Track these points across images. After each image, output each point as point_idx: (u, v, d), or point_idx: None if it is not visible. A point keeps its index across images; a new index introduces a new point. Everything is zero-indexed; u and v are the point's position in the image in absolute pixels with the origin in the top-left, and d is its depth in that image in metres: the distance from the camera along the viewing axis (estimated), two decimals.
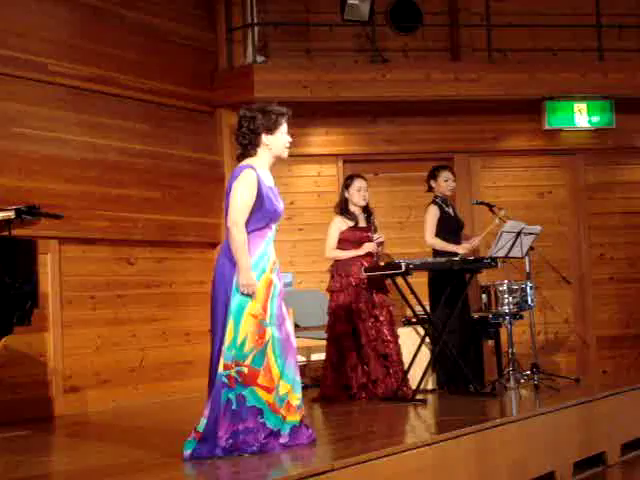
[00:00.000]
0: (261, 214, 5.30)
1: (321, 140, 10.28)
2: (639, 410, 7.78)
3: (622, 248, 10.89)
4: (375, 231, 7.97)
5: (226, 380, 5.16)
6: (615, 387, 7.76)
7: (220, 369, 5.17)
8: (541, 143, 10.76)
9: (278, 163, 5.59)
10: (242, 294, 5.18)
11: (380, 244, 8.00)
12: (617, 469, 7.17)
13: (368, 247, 7.89)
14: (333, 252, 7.99)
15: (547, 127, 10.57)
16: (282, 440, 5.26)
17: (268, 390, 5.21)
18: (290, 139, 5.50)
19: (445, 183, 8.41)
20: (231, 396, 5.16)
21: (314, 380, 9.08)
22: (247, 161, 5.40)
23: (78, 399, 8.20)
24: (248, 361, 5.17)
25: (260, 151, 5.42)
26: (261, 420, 5.19)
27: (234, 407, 5.15)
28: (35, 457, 5.81)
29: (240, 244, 5.20)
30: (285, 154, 5.50)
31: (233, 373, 5.16)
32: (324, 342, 8.10)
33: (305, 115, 9.85)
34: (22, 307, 5.83)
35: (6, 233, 5.86)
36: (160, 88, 9.25)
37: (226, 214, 5.34)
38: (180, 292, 9.31)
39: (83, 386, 8.27)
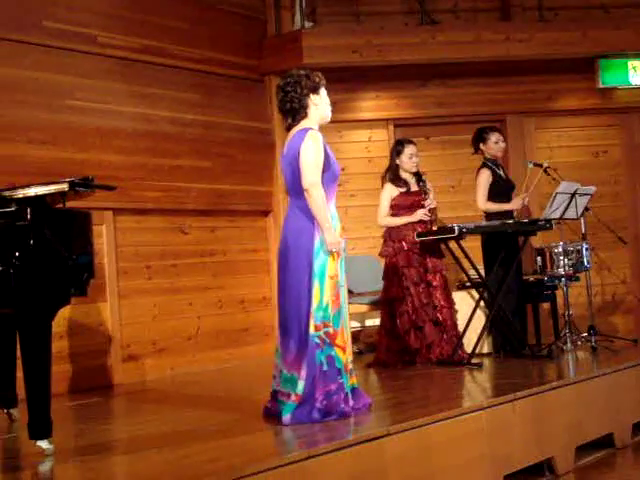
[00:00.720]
0: (328, 175, 5.34)
1: (371, 105, 10.23)
2: None
3: None
4: (426, 195, 7.91)
5: (318, 341, 5.21)
6: None
7: (312, 330, 5.20)
8: (595, 102, 10.60)
9: (328, 129, 5.58)
10: (328, 253, 5.21)
11: (432, 210, 7.93)
12: None
13: (420, 214, 7.84)
14: (385, 219, 7.97)
15: (601, 86, 10.40)
16: (350, 403, 5.32)
17: (344, 350, 5.29)
18: (329, 101, 5.53)
19: (496, 145, 8.32)
20: (322, 358, 5.21)
21: (369, 345, 9.10)
22: (303, 124, 5.40)
23: (136, 368, 8.30)
24: (331, 321, 5.22)
25: (310, 112, 5.43)
26: (340, 380, 5.26)
27: (325, 368, 5.21)
28: (99, 425, 5.90)
29: (322, 203, 5.22)
30: (329, 116, 5.52)
31: (322, 334, 5.21)
32: (378, 308, 8.10)
33: (354, 80, 9.80)
34: (79, 279, 5.87)
35: (60, 205, 5.90)
36: (209, 57, 9.25)
37: (291, 180, 5.35)
38: (234, 260, 9.35)
39: (141, 355, 8.37)
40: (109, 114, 8.27)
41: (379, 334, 7.92)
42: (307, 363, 5.21)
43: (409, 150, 7.95)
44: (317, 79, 5.45)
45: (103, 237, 8.10)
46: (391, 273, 7.83)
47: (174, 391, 7.61)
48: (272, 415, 5.34)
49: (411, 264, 7.79)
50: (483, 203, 8.22)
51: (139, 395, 7.56)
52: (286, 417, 5.19)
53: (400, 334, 7.72)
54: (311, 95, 5.42)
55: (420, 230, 7.78)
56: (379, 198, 8.01)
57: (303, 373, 5.21)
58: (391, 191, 7.95)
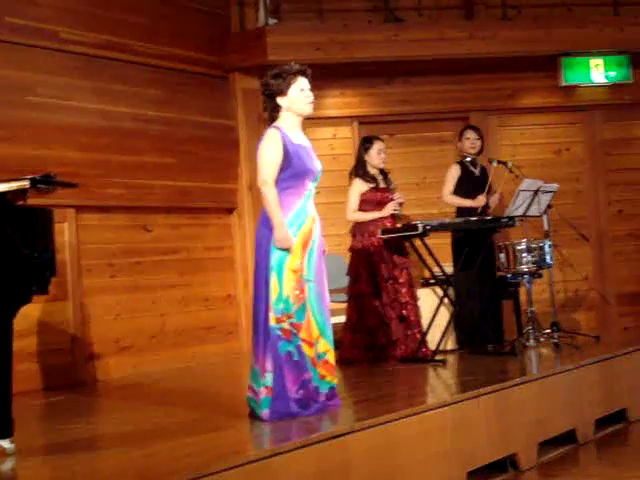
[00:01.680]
0: (290, 172, 5.33)
1: (336, 102, 10.22)
2: None
3: None
4: (394, 191, 7.94)
5: (280, 333, 5.21)
6: (636, 343, 7.75)
7: (272, 323, 5.21)
8: (558, 100, 10.67)
9: None
10: (279, 249, 5.22)
11: (401, 204, 7.96)
12: (638, 425, 7.16)
13: (390, 208, 7.86)
14: (355, 215, 7.96)
15: (563, 83, 10.47)
16: (321, 398, 5.33)
17: (309, 344, 5.28)
18: (309, 94, 5.50)
19: (467, 141, 8.43)
20: (291, 348, 5.22)
21: (334, 342, 9.08)
22: (274, 124, 5.46)
23: (99, 366, 8.24)
24: (293, 315, 5.23)
25: (282, 114, 5.47)
26: (311, 373, 5.27)
27: (296, 358, 5.22)
28: (62, 423, 5.85)
29: (271, 201, 5.26)
30: (305, 110, 5.50)
31: (286, 326, 5.21)
32: (342, 305, 8.10)
33: (319, 77, 9.68)
34: (40, 277, 5.82)
35: (22, 202, 5.84)
36: (173, 53, 9.20)
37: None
38: (198, 258, 9.32)
39: (104, 353, 8.31)
40: (71, 110, 8.20)
41: (344, 330, 7.92)
42: (272, 356, 5.21)
43: (377, 146, 7.96)
44: (285, 76, 5.43)
45: (65, 235, 8.03)
46: (360, 268, 7.82)
47: (137, 389, 7.56)
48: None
49: (381, 260, 7.79)
50: (445, 195, 8.37)
51: (102, 394, 7.52)
52: (265, 412, 5.19)
53: (367, 329, 7.73)
54: (278, 99, 5.44)
55: (389, 226, 7.79)
56: (345, 195, 8.01)
57: (269, 366, 5.22)
58: (360, 187, 7.94)
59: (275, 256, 5.24)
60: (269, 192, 5.28)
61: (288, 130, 5.42)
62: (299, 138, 5.48)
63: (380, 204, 7.90)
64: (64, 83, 8.18)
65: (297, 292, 5.25)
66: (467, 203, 8.30)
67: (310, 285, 5.34)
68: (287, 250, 5.24)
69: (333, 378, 5.44)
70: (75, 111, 8.23)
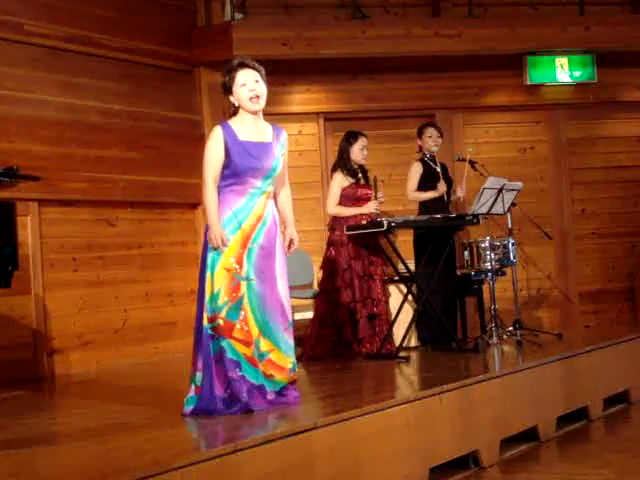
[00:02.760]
0: (231, 169, 5.30)
1: (302, 98, 10.22)
2: (621, 364, 7.83)
3: (604, 203, 10.91)
4: (376, 189, 7.92)
5: (212, 332, 5.21)
6: (597, 341, 7.79)
7: (205, 322, 5.23)
8: (523, 98, 10.73)
9: None
10: (213, 248, 5.22)
11: (380, 203, 7.97)
12: (600, 423, 7.22)
13: (371, 206, 7.86)
14: (335, 209, 7.95)
15: (528, 82, 10.53)
16: (269, 397, 5.30)
17: (245, 343, 5.23)
18: (252, 88, 5.36)
19: (429, 139, 8.43)
20: (223, 344, 5.20)
21: (297, 339, 9.07)
22: (228, 120, 5.44)
23: (61, 361, 8.19)
24: (223, 313, 5.21)
25: (240, 109, 5.43)
26: (240, 373, 5.21)
27: (225, 356, 5.20)
28: (22, 418, 5.79)
29: (207, 199, 5.28)
30: (250, 106, 5.39)
31: (216, 325, 5.21)
32: (307, 301, 8.09)
33: (285, 73, 9.77)
34: (2, 270, 5.78)
35: None
36: (138, 47, 9.15)
37: None
38: (162, 253, 9.28)
39: (66, 348, 8.26)
40: (35, 103, 8.14)
41: (312, 324, 7.91)
42: (202, 354, 5.23)
43: (361, 142, 7.98)
44: (228, 73, 5.40)
45: (28, 228, 7.97)
46: (335, 263, 7.80)
47: (99, 385, 7.53)
48: None
49: (358, 256, 7.79)
50: (410, 192, 8.44)
51: (64, 389, 7.48)
52: (187, 408, 5.22)
53: (335, 324, 7.73)
54: (229, 96, 5.43)
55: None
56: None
57: (199, 364, 5.24)
58: (342, 181, 7.94)
59: (210, 255, 5.26)
60: (206, 191, 5.29)
61: (239, 126, 5.36)
62: (250, 134, 5.38)
63: (359, 200, 7.91)
64: (28, 76, 8.12)
65: (230, 290, 5.22)
66: (430, 194, 8.35)
67: (250, 283, 5.28)
68: (217, 248, 5.22)
69: (284, 377, 5.39)
70: (39, 104, 8.17)
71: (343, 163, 8.00)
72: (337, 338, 7.75)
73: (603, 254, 10.86)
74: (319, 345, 7.76)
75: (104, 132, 8.70)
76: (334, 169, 8.06)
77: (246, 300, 5.26)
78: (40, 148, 8.08)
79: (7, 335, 7.75)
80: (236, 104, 5.41)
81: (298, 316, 8.77)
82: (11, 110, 7.90)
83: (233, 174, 5.30)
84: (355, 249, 7.82)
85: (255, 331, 5.28)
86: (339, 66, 10.11)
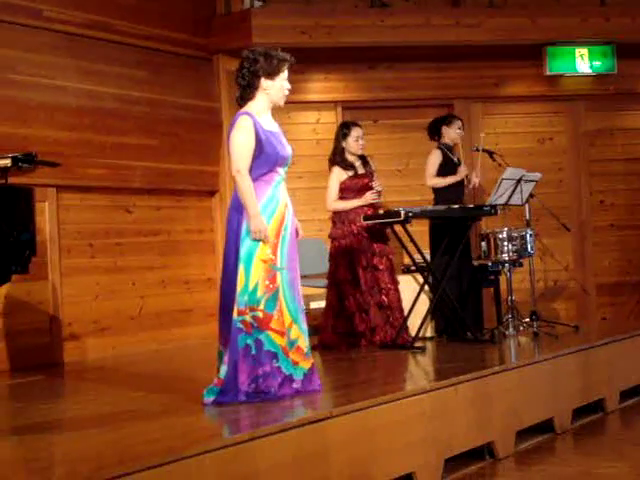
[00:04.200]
0: (263, 159, 5.27)
1: (320, 86, 10.20)
2: (638, 357, 7.81)
3: (622, 195, 10.87)
4: (372, 177, 7.93)
5: (241, 325, 5.18)
6: (614, 334, 7.76)
7: (234, 315, 5.18)
8: (542, 89, 10.68)
9: (276, 110, 5.53)
10: (253, 240, 5.17)
11: (379, 193, 7.95)
12: (616, 416, 7.20)
13: (369, 197, 7.84)
14: (335, 204, 7.95)
15: (548, 73, 10.48)
16: (295, 385, 5.30)
17: (281, 334, 5.24)
18: (289, 86, 5.46)
19: (458, 131, 8.42)
20: (249, 341, 5.18)
21: (313, 328, 9.08)
22: (245, 107, 5.37)
23: (77, 347, 8.22)
24: (262, 306, 5.18)
25: (258, 95, 5.37)
26: (276, 364, 5.22)
27: (253, 352, 5.18)
28: (38, 404, 5.81)
29: (246, 190, 5.19)
30: (282, 102, 5.46)
31: (248, 318, 5.17)
32: (323, 290, 8.10)
33: (303, 61, 9.56)
34: (20, 256, 5.80)
35: (3, 181, 5.81)
36: (157, 34, 9.14)
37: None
38: (179, 240, 9.29)
39: (82, 334, 8.29)
40: (54, 89, 8.14)
41: (324, 315, 7.92)
42: (230, 348, 5.20)
43: (355, 132, 7.94)
44: (276, 62, 5.34)
45: (46, 214, 7.99)
46: (339, 255, 7.82)
47: (115, 371, 7.54)
48: None
49: (360, 248, 7.79)
50: (429, 178, 8.37)
51: (80, 374, 7.49)
52: (208, 399, 5.20)
53: (345, 316, 7.73)
54: (263, 79, 5.33)
55: (369, 212, 7.78)
56: (327, 181, 7.98)
57: (226, 358, 5.21)
58: (339, 175, 7.93)
59: (245, 246, 5.19)
60: (244, 181, 5.20)
61: (259, 114, 5.34)
62: (269, 123, 5.40)
63: (361, 191, 7.89)
64: (47, 62, 8.12)
65: (267, 282, 5.21)
66: (450, 179, 8.31)
67: (283, 273, 5.30)
68: (260, 240, 5.20)
69: (306, 363, 5.39)
70: (58, 90, 8.17)
71: (339, 157, 7.98)
72: (350, 328, 7.75)
73: (621, 246, 10.82)
74: (333, 335, 7.77)
75: (122, 119, 8.70)
76: (331, 163, 8.04)
77: (281, 290, 5.27)
78: (59, 134, 8.09)
79: (24, 321, 7.78)
80: (265, 89, 5.34)
81: (314, 305, 8.78)
82: (30, 96, 7.91)
83: (264, 163, 5.27)
84: (357, 241, 7.81)
85: (288, 319, 5.29)
86: (358, 55, 10.08)
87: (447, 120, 8.53)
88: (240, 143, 5.24)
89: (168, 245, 9.18)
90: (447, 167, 8.36)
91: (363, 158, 8.02)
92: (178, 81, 9.34)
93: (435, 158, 8.40)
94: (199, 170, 9.43)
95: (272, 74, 5.35)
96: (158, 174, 9.01)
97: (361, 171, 7.97)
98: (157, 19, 9.16)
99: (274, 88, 5.37)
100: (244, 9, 9.71)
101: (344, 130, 8.01)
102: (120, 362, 7.96)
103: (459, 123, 8.49)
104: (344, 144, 7.95)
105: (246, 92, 5.38)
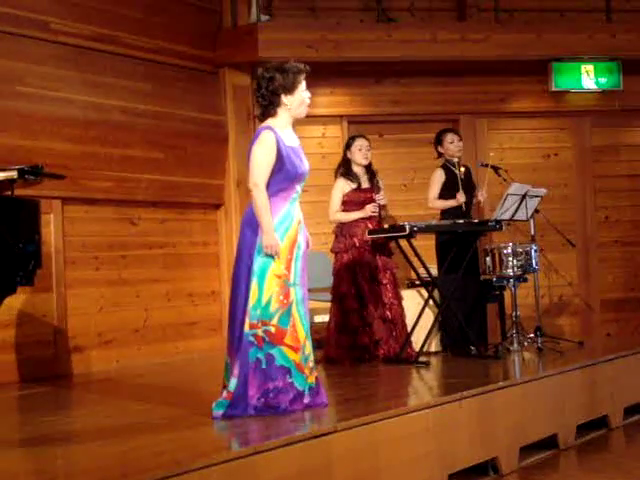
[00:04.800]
0: (282, 176, 5.28)
1: (326, 100, 10.21)
2: None
3: (627, 211, 10.87)
4: (378, 192, 7.94)
5: (253, 339, 5.18)
6: (618, 350, 7.75)
7: (246, 329, 5.19)
8: (548, 105, 10.69)
9: None
10: (266, 255, 5.18)
11: (382, 207, 7.96)
12: (620, 432, 7.19)
13: (369, 209, 7.85)
14: (337, 215, 7.97)
15: (554, 89, 10.49)
16: (305, 400, 5.30)
17: (295, 350, 5.25)
18: (309, 95, 5.45)
19: (451, 145, 8.39)
20: (260, 355, 5.18)
21: (317, 342, 9.08)
22: (267, 122, 5.38)
23: (82, 359, 8.22)
24: (275, 320, 5.19)
25: (280, 111, 5.38)
26: (290, 380, 5.23)
27: (264, 366, 5.18)
28: (43, 416, 5.81)
29: (262, 205, 5.20)
30: (304, 113, 5.46)
31: (260, 332, 5.18)
32: (327, 304, 8.09)
33: (309, 75, 9.71)
34: (25, 267, 5.80)
35: (9, 193, 5.82)
36: (164, 47, 9.17)
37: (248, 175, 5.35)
38: (183, 253, 9.29)
39: (86, 346, 8.28)
40: (60, 102, 8.16)
41: (328, 329, 7.92)
42: (240, 361, 5.20)
43: (358, 143, 7.98)
44: (292, 76, 5.34)
45: (51, 226, 8.00)
46: (342, 269, 7.82)
47: (120, 383, 7.54)
48: None
49: (363, 261, 7.79)
50: (431, 200, 8.39)
51: (84, 387, 7.49)
52: (217, 412, 5.19)
53: (350, 330, 7.73)
54: (283, 96, 5.34)
55: (372, 227, 7.79)
56: (330, 195, 8.01)
57: (236, 371, 5.21)
58: (343, 187, 7.95)
59: (259, 261, 5.20)
60: (260, 196, 5.21)
61: (281, 130, 5.35)
62: (290, 139, 5.41)
63: (363, 205, 7.90)
64: (54, 74, 8.14)
65: (281, 297, 5.22)
66: (450, 203, 8.30)
67: (296, 289, 5.31)
68: (272, 256, 5.21)
69: (312, 378, 5.39)
70: (64, 102, 8.19)
71: (343, 167, 8.03)
72: (354, 342, 7.75)
73: (626, 262, 10.82)
74: (337, 349, 7.76)
75: (128, 131, 8.71)
76: (336, 175, 8.08)
77: (294, 306, 5.27)
78: (64, 146, 8.11)
79: (29, 332, 7.78)
80: (287, 105, 5.35)
81: (318, 319, 8.77)
82: (36, 108, 7.93)
83: (283, 180, 5.28)
84: (359, 254, 7.82)
85: (302, 335, 5.30)
86: (364, 69, 10.11)
87: (438, 138, 8.50)
88: (261, 158, 5.25)
89: (173, 258, 9.18)
90: (451, 186, 8.33)
91: (370, 172, 8.03)
92: (184, 94, 9.36)
93: (437, 178, 8.40)
94: (204, 183, 9.45)
95: (291, 89, 5.35)
96: (163, 187, 9.02)
97: (365, 185, 7.98)
98: (164, 32, 9.18)
99: (295, 102, 5.37)
100: (250, 23, 9.72)
101: (349, 141, 8.10)
102: (124, 375, 7.96)
103: (451, 136, 8.43)
104: (349, 154, 7.99)
105: (268, 110, 5.38)
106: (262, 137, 5.28)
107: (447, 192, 8.34)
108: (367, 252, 7.83)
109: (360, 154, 7.96)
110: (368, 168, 8.03)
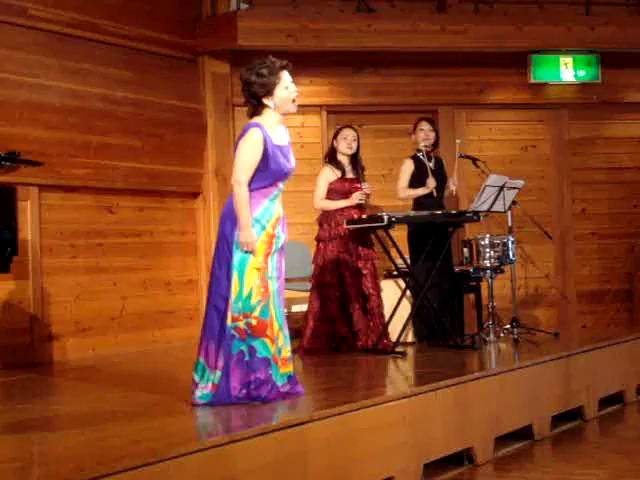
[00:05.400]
0: (266, 173, 5.28)
1: (305, 90, 10.11)
2: (617, 365, 7.84)
3: (604, 203, 10.91)
4: (363, 181, 7.95)
5: (235, 332, 5.19)
6: (594, 342, 7.79)
7: (228, 322, 5.19)
8: (526, 97, 10.72)
9: None
10: (242, 251, 5.19)
11: (368, 195, 7.97)
12: (594, 423, 7.23)
13: (357, 197, 7.86)
14: (322, 202, 7.97)
15: (533, 81, 10.53)
16: (282, 390, 5.31)
17: (272, 341, 5.27)
18: (295, 89, 5.40)
19: (421, 133, 8.42)
20: (243, 348, 5.20)
21: (294, 331, 9.08)
22: (256, 119, 5.36)
23: (58, 347, 8.19)
24: (256, 313, 5.20)
25: (265, 111, 5.36)
26: (270, 371, 5.24)
27: (247, 358, 5.20)
28: (18, 403, 5.79)
29: (241, 202, 5.20)
30: (293, 109, 5.42)
31: (242, 325, 5.19)
32: (305, 294, 8.10)
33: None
34: (1, 254, 5.78)
35: None
36: (142, 35, 9.12)
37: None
38: (161, 241, 9.27)
39: (63, 334, 8.26)
40: (38, 88, 8.11)
41: (306, 319, 7.91)
42: (223, 354, 5.21)
43: (344, 132, 8.01)
44: (269, 78, 5.29)
45: (27, 214, 7.95)
46: (325, 258, 7.81)
47: (96, 371, 7.52)
48: None
49: (347, 251, 7.80)
50: (399, 190, 8.47)
51: (61, 374, 7.46)
52: (199, 402, 5.21)
53: (329, 319, 7.74)
54: (263, 98, 5.32)
55: (356, 217, 7.79)
56: (313, 183, 8.01)
57: (220, 363, 5.21)
58: (328, 175, 7.96)
59: (238, 255, 5.21)
60: (240, 192, 5.21)
61: (270, 128, 5.33)
62: (279, 137, 5.39)
63: (348, 194, 7.90)
64: (31, 60, 8.09)
65: (262, 290, 5.23)
66: (420, 191, 8.34)
67: (272, 281, 5.32)
68: (249, 252, 5.21)
69: (288, 368, 5.41)
70: (42, 89, 8.14)
71: (329, 156, 8.06)
72: (332, 332, 7.76)
73: (602, 254, 10.87)
74: (315, 339, 7.76)
75: (106, 119, 8.68)
76: (323, 163, 8.11)
77: (271, 298, 5.29)
78: (42, 133, 8.06)
79: (5, 320, 7.75)
80: (271, 106, 5.33)
81: (296, 308, 8.78)
82: (14, 94, 7.88)
83: (266, 177, 5.28)
84: (343, 244, 7.82)
85: (276, 327, 5.32)
86: (343, 59, 10.10)
87: (414, 126, 8.52)
88: (245, 155, 5.24)
89: (150, 246, 9.16)
90: (419, 176, 8.35)
91: (355, 162, 8.03)
92: (163, 82, 9.32)
93: (405, 169, 8.44)
94: (182, 172, 9.42)
95: (270, 90, 5.31)
96: (141, 175, 8.99)
97: (350, 175, 7.98)
98: (142, 19, 9.14)
99: (278, 101, 5.34)
100: (230, 11, 9.69)
101: (336, 130, 8.14)
102: (101, 363, 7.94)
103: (422, 125, 8.45)
104: (335, 143, 8.02)
105: (256, 109, 5.37)
106: (249, 134, 5.28)
107: (416, 182, 8.37)
108: (350, 242, 7.83)
109: (345, 143, 7.97)
110: (353, 159, 8.03)
